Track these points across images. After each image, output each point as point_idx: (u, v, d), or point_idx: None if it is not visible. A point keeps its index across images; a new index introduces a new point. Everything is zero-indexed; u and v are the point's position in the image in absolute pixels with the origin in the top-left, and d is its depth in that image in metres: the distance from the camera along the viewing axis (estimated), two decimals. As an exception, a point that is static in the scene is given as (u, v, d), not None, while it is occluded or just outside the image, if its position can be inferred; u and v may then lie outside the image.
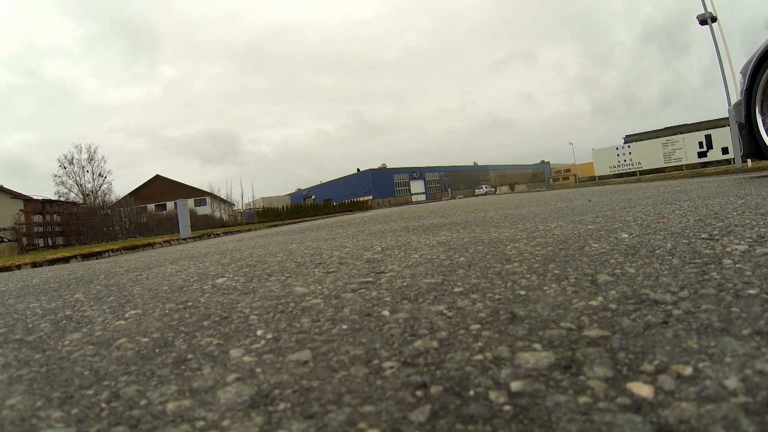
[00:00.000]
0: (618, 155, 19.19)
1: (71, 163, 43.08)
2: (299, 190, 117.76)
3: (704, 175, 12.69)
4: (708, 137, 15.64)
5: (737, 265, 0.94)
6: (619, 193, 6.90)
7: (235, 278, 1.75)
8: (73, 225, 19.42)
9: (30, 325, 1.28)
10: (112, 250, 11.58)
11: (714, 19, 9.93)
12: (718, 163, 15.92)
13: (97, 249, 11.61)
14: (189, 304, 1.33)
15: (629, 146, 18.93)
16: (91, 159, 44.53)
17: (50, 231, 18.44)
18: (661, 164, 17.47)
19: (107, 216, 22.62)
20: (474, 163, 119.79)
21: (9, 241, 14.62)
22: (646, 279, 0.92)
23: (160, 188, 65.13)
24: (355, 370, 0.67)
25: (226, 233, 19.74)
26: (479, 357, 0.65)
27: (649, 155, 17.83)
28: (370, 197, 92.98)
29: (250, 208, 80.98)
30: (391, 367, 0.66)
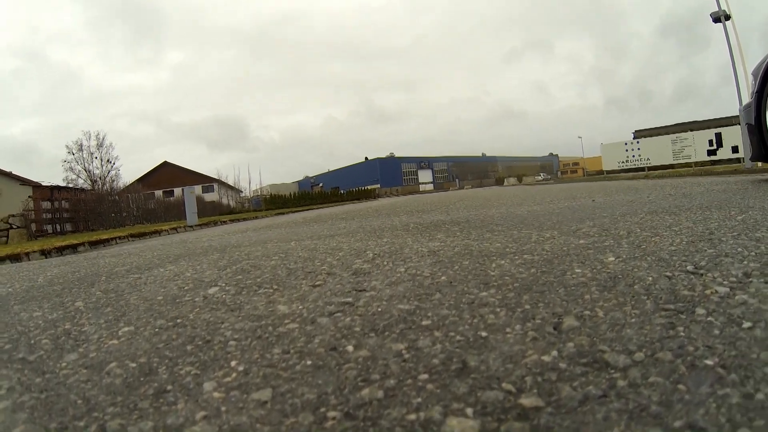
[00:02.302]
0: (627, 151, 18.98)
1: (80, 149, 43.49)
2: (307, 177, 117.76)
3: (713, 173, 12.47)
4: (718, 135, 15.42)
5: (709, 318, 0.91)
6: (624, 192, 6.86)
7: (227, 288, 1.79)
8: (82, 211, 19.65)
9: (32, 342, 1.32)
10: (120, 237, 11.70)
11: (728, 17, 9.71)
12: (729, 161, 15.72)
13: (104, 236, 11.75)
14: (178, 321, 1.37)
15: (638, 142, 18.70)
16: (99, 145, 44.91)
17: (59, 217, 18.66)
18: (670, 161, 17.26)
19: (115, 202, 22.84)
20: (482, 154, 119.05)
21: (18, 227, 14.84)
22: (610, 329, 0.90)
23: (168, 174, 65.54)
24: (303, 417, 0.69)
25: (232, 221, 19.81)
26: (413, 417, 0.66)
27: (658, 152, 17.63)
28: (378, 186, 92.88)
29: (257, 195, 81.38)
30: (334, 418, 0.68)
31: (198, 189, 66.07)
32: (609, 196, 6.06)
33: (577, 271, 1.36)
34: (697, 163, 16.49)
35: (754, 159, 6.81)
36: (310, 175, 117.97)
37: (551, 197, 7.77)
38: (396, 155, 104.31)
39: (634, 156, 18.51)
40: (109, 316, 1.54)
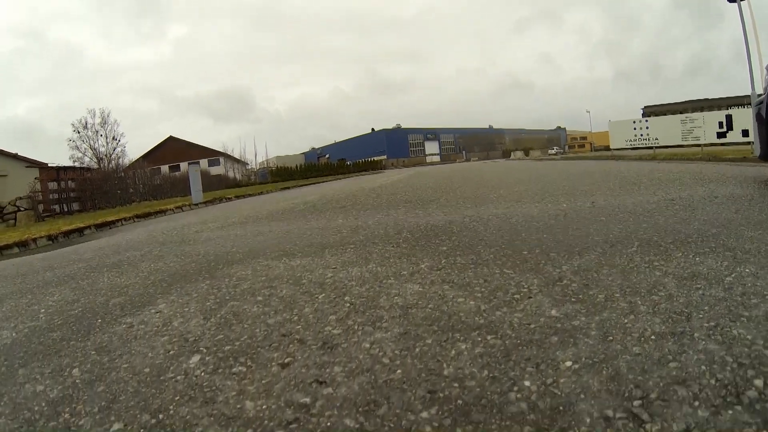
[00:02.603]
0: (635, 129, 18.57)
1: (85, 127, 43.60)
2: (313, 149, 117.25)
3: (721, 160, 12.08)
4: (729, 117, 15.02)
5: None
6: (627, 190, 6.79)
7: (206, 358, 1.89)
8: (88, 190, 19.88)
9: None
10: (125, 219, 11.90)
11: (745, -4, 9.20)
12: (738, 145, 15.42)
13: (111, 218, 11.93)
14: (160, 416, 1.47)
15: (647, 121, 18.26)
16: (104, 123, 45.03)
17: (66, 197, 18.92)
18: (679, 142, 16.89)
19: (121, 180, 23.03)
20: (489, 126, 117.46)
21: (26, 209, 15.09)
22: None
23: (173, 149, 65.58)
24: None
25: (237, 197, 19.86)
26: None
27: (667, 132, 17.26)
28: (385, 157, 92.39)
29: (263, 167, 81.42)
30: None
31: (204, 163, 66.24)
32: (610, 197, 6.02)
33: (525, 384, 1.40)
34: (706, 145, 16.19)
35: (762, 157, 6.70)
36: (317, 147, 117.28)
37: (552, 191, 7.72)
38: (402, 126, 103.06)
39: (642, 135, 18.13)
40: (102, 401, 1.62)
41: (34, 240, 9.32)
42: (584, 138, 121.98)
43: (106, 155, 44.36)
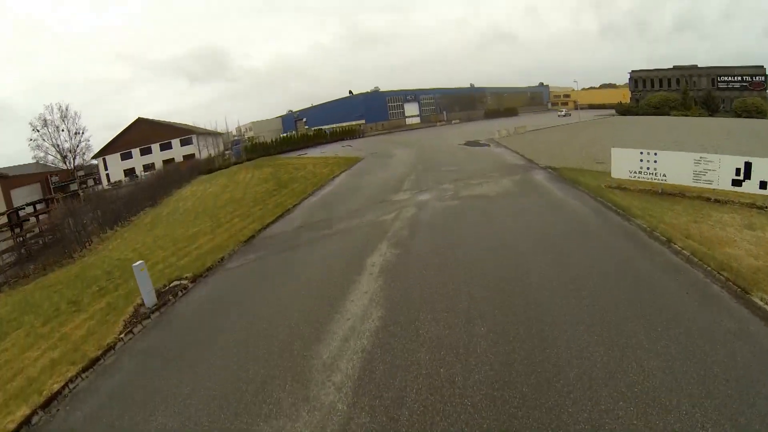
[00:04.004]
0: (641, 161, 17.17)
1: (45, 124, 40.24)
2: (290, 111, 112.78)
3: (747, 290, 8.62)
4: (748, 165, 13.77)
5: None
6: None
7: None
8: (43, 239, 17.80)
9: None
10: (62, 389, 9.10)
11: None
12: (752, 200, 14.21)
13: (56, 386, 9.03)
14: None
15: (656, 154, 16.77)
16: (64, 117, 41.61)
17: (22, 242, 16.95)
18: (689, 182, 15.61)
19: (76, 217, 20.66)
20: (470, 84, 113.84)
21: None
22: None
23: (143, 131, 61.15)
24: None
25: (194, 278, 13.62)
26: None
27: (677, 169, 15.86)
28: (363, 122, 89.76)
29: (237, 138, 78.02)
30: None
31: (176, 143, 62.60)
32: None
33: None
34: (717, 191, 14.95)
35: None
36: (294, 110, 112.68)
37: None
38: (381, 89, 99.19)
39: (648, 168, 16.71)
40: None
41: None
42: (567, 96, 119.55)
43: (70, 151, 41.37)
